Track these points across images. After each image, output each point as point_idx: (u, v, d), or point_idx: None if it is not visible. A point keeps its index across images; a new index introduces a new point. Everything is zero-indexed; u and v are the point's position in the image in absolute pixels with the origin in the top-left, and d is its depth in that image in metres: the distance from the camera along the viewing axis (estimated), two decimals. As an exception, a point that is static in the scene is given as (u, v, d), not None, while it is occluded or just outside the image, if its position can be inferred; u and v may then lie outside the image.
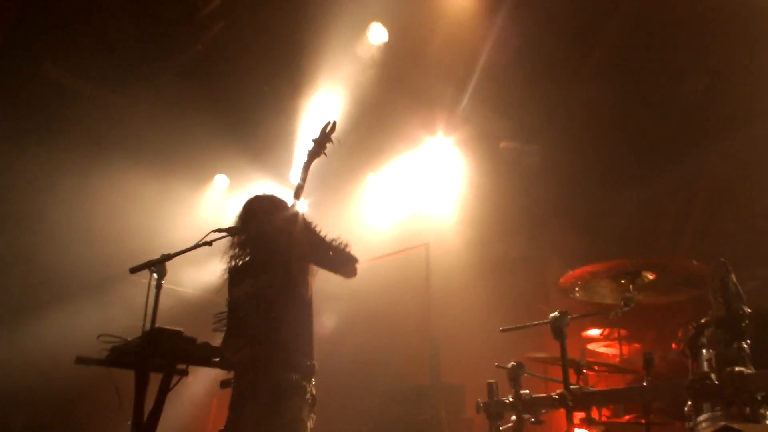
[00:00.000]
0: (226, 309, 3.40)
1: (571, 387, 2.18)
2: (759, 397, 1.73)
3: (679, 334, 4.00)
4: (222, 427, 3.13)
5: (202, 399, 6.10)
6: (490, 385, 2.49)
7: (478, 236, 5.78)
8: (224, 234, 3.18)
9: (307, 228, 3.16)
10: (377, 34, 5.53)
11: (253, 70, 6.22)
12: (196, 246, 2.94)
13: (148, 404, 2.59)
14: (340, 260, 3.16)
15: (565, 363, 2.23)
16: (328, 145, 3.22)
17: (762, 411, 1.76)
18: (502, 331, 2.58)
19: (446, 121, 6.33)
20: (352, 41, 5.76)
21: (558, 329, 2.25)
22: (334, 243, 3.16)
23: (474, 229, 5.84)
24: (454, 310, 5.39)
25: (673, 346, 4.11)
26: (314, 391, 3.14)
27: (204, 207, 7.63)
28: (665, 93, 4.95)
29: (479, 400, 2.52)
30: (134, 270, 2.60)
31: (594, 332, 4.70)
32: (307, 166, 3.23)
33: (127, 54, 5.68)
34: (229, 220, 8.20)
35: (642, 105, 5.16)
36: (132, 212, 6.45)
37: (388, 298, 5.56)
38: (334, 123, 3.25)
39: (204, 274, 6.11)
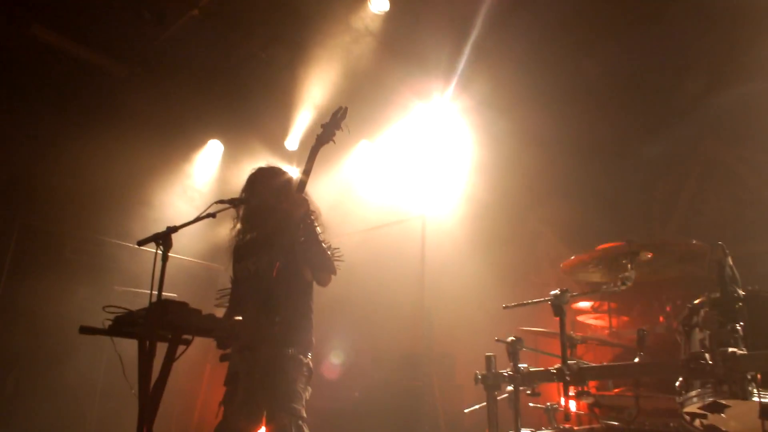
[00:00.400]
0: (229, 285, 3.46)
1: (569, 362, 2.26)
2: (749, 377, 1.82)
3: (668, 309, 4.15)
4: (219, 399, 3.22)
5: (196, 365, 6.20)
6: (488, 357, 2.58)
7: (473, 208, 5.84)
8: (226, 206, 3.20)
9: (309, 218, 3.17)
10: (378, 3, 5.46)
11: (249, 36, 6.14)
12: (200, 218, 2.96)
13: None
14: (322, 263, 3.16)
15: (564, 339, 2.31)
16: (337, 132, 3.22)
17: (749, 389, 1.85)
18: (505, 308, 2.65)
19: (443, 91, 6.33)
20: (350, 8, 5.70)
21: (558, 307, 2.33)
22: (323, 243, 3.18)
23: (469, 200, 5.90)
24: (448, 281, 5.49)
25: (661, 319, 4.24)
26: (311, 364, 3.21)
27: (197, 172, 7.61)
28: (661, 69, 4.98)
29: (477, 372, 2.60)
30: (141, 243, 2.62)
31: (584, 304, 4.82)
32: (315, 152, 3.21)
33: (121, 17, 5.57)
34: (224, 186, 8.19)
35: (638, 82, 5.19)
36: (123, 176, 6.41)
37: (383, 268, 5.64)
38: (345, 109, 3.23)
39: (198, 241, 6.16)
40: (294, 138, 7.72)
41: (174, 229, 2.70)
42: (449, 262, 5.62)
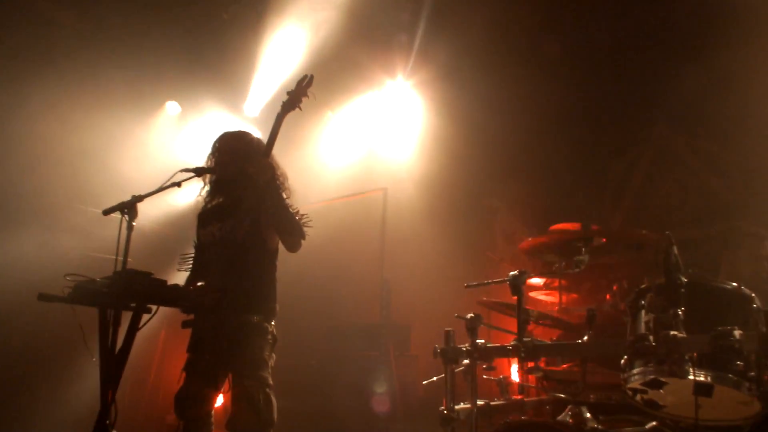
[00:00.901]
0: (192, 249, 3.45)
1: (525, 339, 2.40)
2: (687, 357, 1.98)
3: (614, 288, 4.37)
4: (174, 365, 3.25)
5: (151, 331, 6.15)
6: (447, 332, 2.69)
7: (433, 182, 5.93)
8: (192, 174, 3.17)
9: (275, 182, 3.17)
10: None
11: (212, -5, 5.96)
12: (164, 187, 2.94)
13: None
14: (290, 228, 3.17)
15: (521, 317, 2.44)
16: (303, 99, 3.21)
17: (686, 368, 2.02)
18: (467, 287, 2.76)
19: (405, 63, 6.34)
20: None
21: (516, 287, 2.45)
22: (291, 209, 3.19)
23: (430, 174, 5.99)
24: (407, 254, 5.60)
25: (608, 297, 4.47)
26: (275, 332, 3.27)
27: (154, 134, 7.41)
28: (620, 50, 5.11)
29: (437, 345, 2.72)
30: (107, 212, 2.60)
31: (536, 281, 5.02)
32: (280, 119, 3.20)
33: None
34: (182, 149, 7.99)
35: (597, 61, 5.32)
36: (76, 137, 6.20)
37: (344, 239, 5.70)
38: (311, 77, 3.22)
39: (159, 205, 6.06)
40: (254, 103, 7.60)
41: (139, 198, 2.68)
42: (409, 235, 5.73)
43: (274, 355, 3.24)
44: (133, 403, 5.99)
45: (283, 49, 6.61)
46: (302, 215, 3.22)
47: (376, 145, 6.27)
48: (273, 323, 3.27)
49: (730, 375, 1.95)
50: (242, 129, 3.54)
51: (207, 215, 3.40)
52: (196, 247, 3.42)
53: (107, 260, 5.83)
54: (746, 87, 4.15)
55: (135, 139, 7.12)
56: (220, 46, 6.76)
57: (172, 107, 7.50)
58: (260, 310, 3.19)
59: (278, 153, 3.60)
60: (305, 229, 3.21)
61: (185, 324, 3.12)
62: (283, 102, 3.22)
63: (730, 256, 3.83)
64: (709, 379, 1.98)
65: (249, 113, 7.69)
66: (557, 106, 5.36)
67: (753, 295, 2.11)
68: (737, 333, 1.84)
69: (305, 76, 3.26)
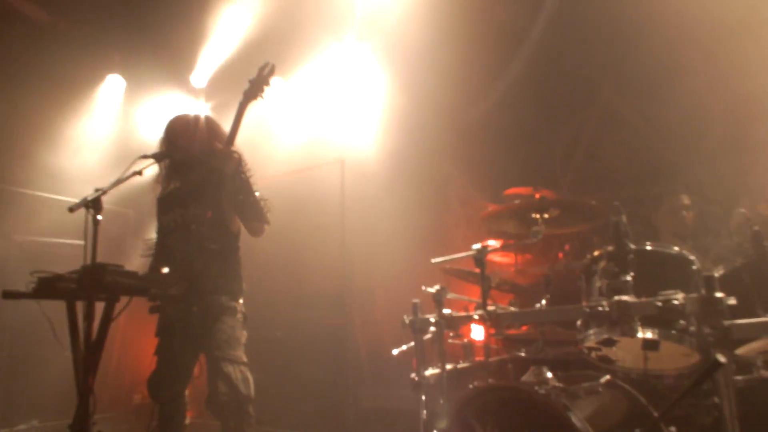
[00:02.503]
0: (155, 235, 3.45)
1: (488, 308, 2.56)
2: (636, 319, 2.18)
3: (566, 247, 4.62)
4: (137, 351, 3.30)
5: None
6: (414, 304, 2.82)
7: (389, 150, 6.00)
8: (151, 161, 3.15)
9: (239, 168, 3.19)
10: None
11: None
12: (126, 177, 2.92)
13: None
14: (256, 214, 3.23)
15: (484, 287, 2.59)
16: (265, 88, 3.20)
17: (636, 328, 2.22)
18: (434, 263, 2.89)
19: (356, 29, 6.28)
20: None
21: (479, 260, 2.60)
22: (254, 193, 3.22)
23: (385, 143, 6.04)
24: (367, 222, 5.69)
25: (560, 256, 4.73)
26: (244, 310, 3.35)
27: (97, 110, 7.15)
28: (570, 16, 5.23)
29: (405, 316, 2.85)
30: (72, 209, 2.57)
31: (492, 242, 5.23)
32: (242, 108, 3.20)
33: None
34: (127, 125, 7.74)
35: (549, 27, 5.43)
36: (9, 113, 5.92)
37: (303, 211, 5.73)
38: (273, 66, 3.21)
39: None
40: (201, 74, 7.42)
41: (103, 192, 2.66)
42: (368, 203, 5.81)
43: (245, 333, 3.32)
44: (99, 385, 5.99)
45: (231, 14, 6.44)
46: (265, 200, 3.27)
47: (331, 116, 6.26)
48: (241, 302, 3.34)
49: (673, 331, 2.16)
50: (193, 113, 3.50)
51: (167, 200, 3.40)
52: (158, 232, 3.42)
53: (61, 246, 5.72)
54: (691, 49, 4.36)
55: (77, 114, 6.87)
56: (164, 13, 6.50)
57: (114, 81, 7.24)
58: (228, 290, 3.26)
59: (225, 119, 3.56)
60: (267, 214, 3.27)
61: (152, 309, 3.15)
62: (245, 90, 3.22)
63: (657, 215, 4.18)
64: (655, 336, 2.18)
65: (196, 84, 7.51)
66: (508, 73, 5.47)
67: (693, 258, 2.31)
68: (680, 296, 2.04)
69: (266, 64, 3.24)
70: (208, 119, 3.47)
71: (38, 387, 5.46)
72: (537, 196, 3.27)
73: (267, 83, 3.23)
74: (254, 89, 3.21)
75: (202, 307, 3.13)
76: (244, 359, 3.18)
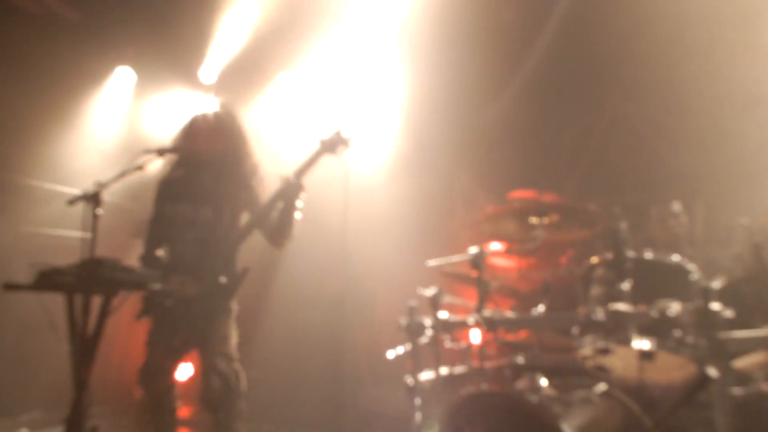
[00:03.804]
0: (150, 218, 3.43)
1: (486, 312, 2.54)
2: (632, 328, 2.16)
3: (570, 252, 4.59)
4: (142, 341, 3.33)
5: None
6: (411, 308, 2.81)
7: (395, 151, 5.98)
8: (155, 156, 3.14)
9: (260, 183, 3.25)
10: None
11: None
12: (128, 172, 2.92)
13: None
14: (289, 232, 3.29)
15: (482, 291, 2.58)
16: (341, 148, 3.25)
17: (631, 337, 2.20)
18: (430, 266, 2.88)
19: (367, 27, 6.26)
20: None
21: (477, 263, 2.58)
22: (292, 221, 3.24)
23: (392, 144, 6.03)
24: (369, 224, 5.68)
25: (563, 260, 4.69)
26: (236, 306, 3.37)
27: (105, 102, 7.16)
28: (577, 21, 5.20)
29: (401, 320, 2.84)
30: (72, 202, 2.58)
31: (495, 246, 5.20)
32: (316, 156, 3.30)
33: None
34: (135, 120, 7.74)
35: (555, 33, 5.40)
36: (16, 105, 5.94)
37: (305, 210, 5.70)
38: (356, 132, 3.25)
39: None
40: (210, 69, 7.41)
41: (103, 185, 2.66)
42: (371, 203, 5.79)
43: (237, 331, 3.36)
44: (100, 379, 6.03)
45: (240, 9, 6.44)
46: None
47: (336, 115, 6.24)
48: (235, 302, 3.38)
49: (669, 342, 2.14)
50: (213, 111, 3.44)
51: (173, 188, 3.36)
52: (159, 219, 3.37)
53: (63, 238, 5.73)
54: (698, 57, 4.32)
55: (85, 107, 6.89)
56: (174, 6, 6.51)
57: (124, 73, 7.26)
58: (226, 291, 3.28)
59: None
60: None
61: (141, 315, 3.21)
62: (324, 140, 3.28)
63: (648, 224, 4.10)
64: (651, 346, 2.16)
65: (204, 80, 7.51)
66: (517, 75, 5.44)
67: (690, 268, 2.28)
68: (676, 306, 2.02)
69: (351, 128, 3.29)
70: (228, 118, 3.45)
71: (42, 378, 5.50)
72: (542, 199, 3.25)
73: (346, 145, 3.26)
74: (332, 144, 3.26)
75: (201, 306, 3.15)
76: (237, 356, 3.22)
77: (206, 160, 3.26)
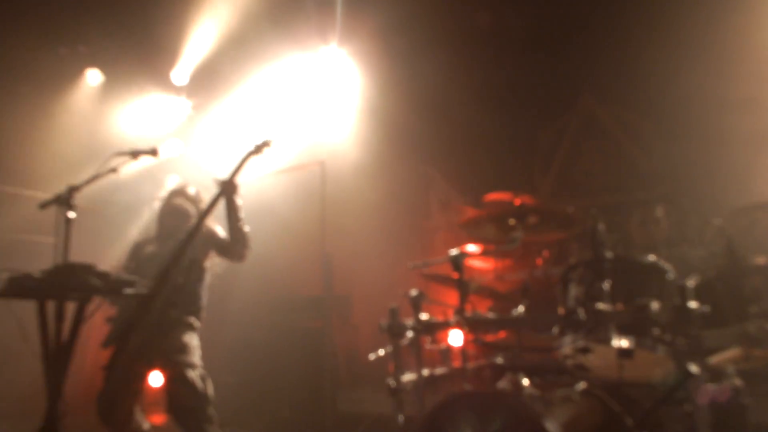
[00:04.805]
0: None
1: (467, 314, 2.55)
2: (611, 327, 2.19)
3: (545, 253, 4.64)
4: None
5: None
6: (392, 310, 2.81)
7: (370, 153, 5.98)
8: (127, 158, 3.10)
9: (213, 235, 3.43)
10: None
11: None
12: (101, 174, 2.87)
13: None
14: (242, 237, 3.40)
15: (463, 292, 2.59)
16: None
17: (610, 336, 2.23)
18: (412, 267, 2.88)
19: (336, 31, 6.25)
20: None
21: (457, 265, 2.59)
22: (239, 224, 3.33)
23: (366, 145, 6.02)
24: (347, 225, 5.66)
25: (539, 262, 4.74)
26: (196, 321, 3.38)
27: (74, 106, 7.02)
28: (551, 25, 5.28)
29: (382, 322, 2.84)
30: (43, 205, 2.51)
31: (472, 248, 5.23)
32: (243, 161, 3.31)
33: None
34: (103, 123, 7.59)
35: (529, 35, 5.47)
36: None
37: (283, 213, 5.68)
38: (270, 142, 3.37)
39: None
40: (182, 71, 7.31)
41: (75, 188, 2.60)
42: (348, 205, 5.78)
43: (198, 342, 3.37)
44: (72, 387, 5.88)
45: (213, 11, 6.37)
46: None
47: (312, 118, 6.22)
48: (195, 319, 3.39)
49: (647, 340, 2.17)
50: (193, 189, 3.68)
51: (145, 252, 3.52)
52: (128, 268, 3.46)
53: (34, 243, 5.59)
54: (670, 60, 4.41)
55: (54, 110, 6.74)
56: (145, 8, 6.41)
57: (92, 76, 7.11)
58: (185, 309, 3.31)
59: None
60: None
61: (110, 319, 3.20)
62: (249, 151, 3.36)
63: (629, 224, 4.13)
64: (630, 344, 2.20)
65: (177, 81, 7.40)
66: (490, 78, 5.49)
67: (667, 267, 2.33)
68: (654, 305, 2.06)
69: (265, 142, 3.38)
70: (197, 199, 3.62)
71: (12, 388, 5.33)
72: (516, 202, 3.28)
73: (260, 153, 3.37)
74: (254, 151, 3.35)
75: (159, 320, 3.15)
76: (200, 364, 3.23)
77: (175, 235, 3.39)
